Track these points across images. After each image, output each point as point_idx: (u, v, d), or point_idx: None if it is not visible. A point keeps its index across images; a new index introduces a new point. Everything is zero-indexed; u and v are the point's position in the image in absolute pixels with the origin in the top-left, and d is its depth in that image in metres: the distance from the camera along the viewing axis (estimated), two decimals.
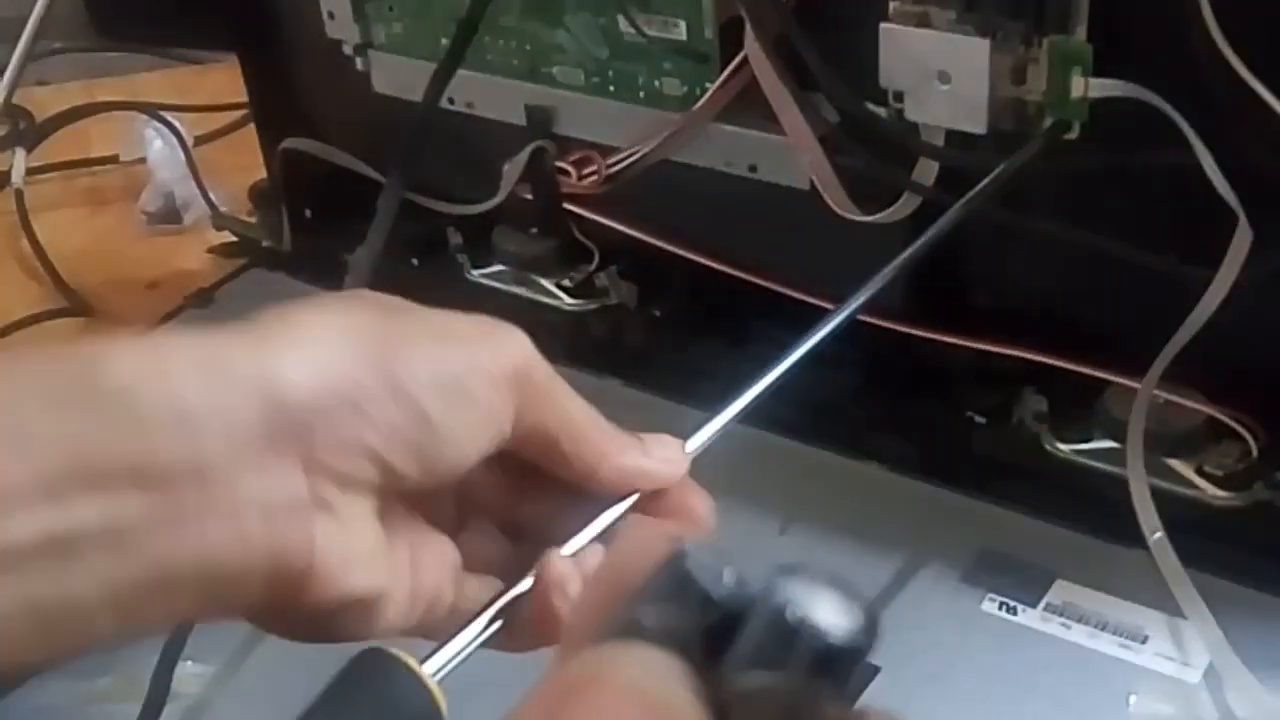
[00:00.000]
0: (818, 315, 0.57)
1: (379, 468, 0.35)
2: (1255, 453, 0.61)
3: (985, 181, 0.57)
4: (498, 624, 0.38)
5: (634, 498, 0.40)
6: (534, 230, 0.78)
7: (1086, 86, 0.55)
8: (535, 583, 0.38)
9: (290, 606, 0.35)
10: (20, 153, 0.96)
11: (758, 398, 0.44)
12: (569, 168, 0.73)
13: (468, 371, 0.37)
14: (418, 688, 0.35)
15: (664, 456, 0.41)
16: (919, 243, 0.54)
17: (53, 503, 0.31)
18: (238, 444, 0.33)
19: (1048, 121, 0.57)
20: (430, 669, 0.36)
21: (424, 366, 0.36)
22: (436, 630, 0.38)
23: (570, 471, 0.40)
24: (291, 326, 0.35)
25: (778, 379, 0.45)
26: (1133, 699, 0.54)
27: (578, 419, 0.39)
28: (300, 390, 0.34)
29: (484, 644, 0.38)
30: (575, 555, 0.39)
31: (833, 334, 0.48)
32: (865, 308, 0.64)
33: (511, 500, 0.41)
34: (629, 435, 0.40)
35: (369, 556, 0.36)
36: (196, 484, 0.32)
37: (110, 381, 0.32)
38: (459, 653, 0.37)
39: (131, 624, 0.33)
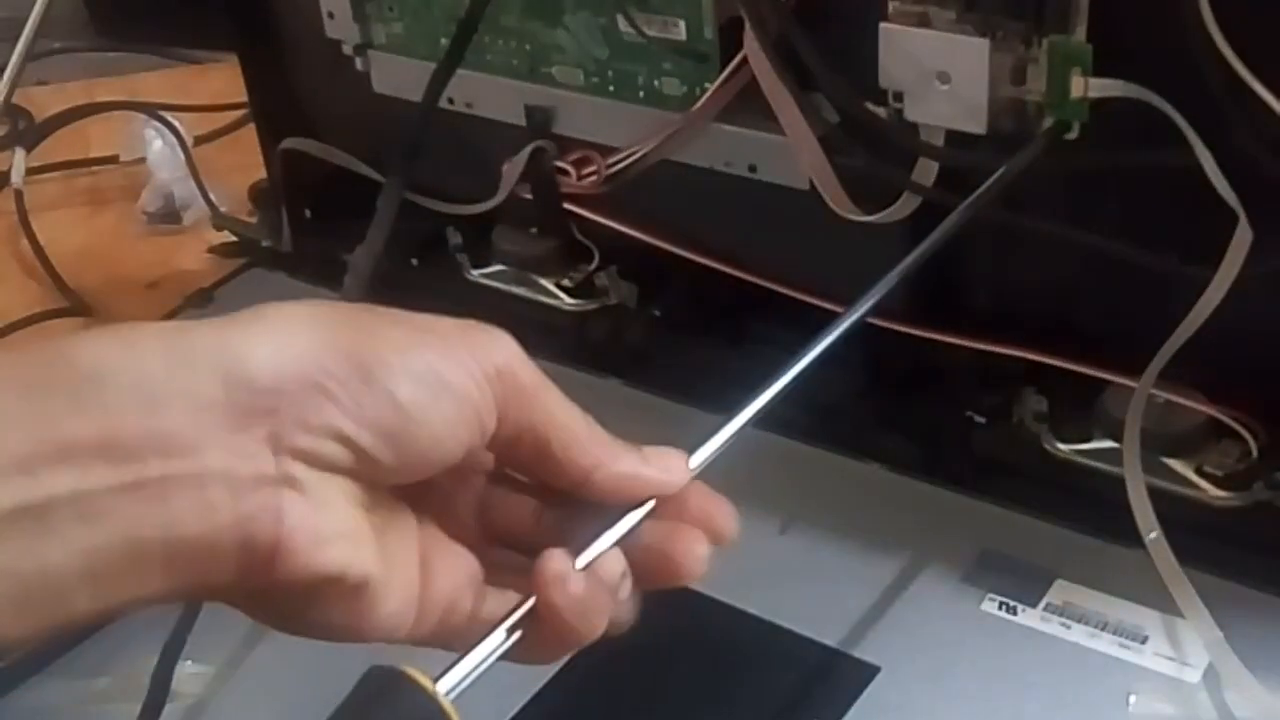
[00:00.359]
0: (818, 315, 0.57)
1: (350, 450, 0.36)
2: (1255, 453, 0.61)
3: (989, 183, 0.56)
4: (514, 637, 0.37)
5: (648, 506, 0.40)
6: (534, 230, 0.78)
7: (1086, 86, 0.55)
8: (533, 584, 0.38)
9: (263, 584, 0.35)
10: (20, 152, 0.96)
11: (764, 408, 0.44)
12: (569, 167, 0.73)
13: (444, 362, 0.37)
14: (431, 706, 0.35)
15: (663, 465, 0.40)
16: (921, 248, 0.54)
17: (24, 476, 0.32)
18: (201, 420, 0.34)
19: (1048, 121, 0.57)
20: (444, 687, 0.35)
21: (397, 354, 0.36)
22: (455, 642, 0.38)
23: (564, 477, 0.39)
24: (260, 315, 0.36)
25: (782, 389, 0.45)
26: (1132, 699, 0.54)
27: (569, 423, 0.39)
28: (263, 371, 0.35)
29: (504, 657, 0.38)
30: (591, 563, 0.39)
31: (837, 342, 0.47)
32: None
33: (533, 522, 0.41)
34: (626, 444, 0.40)
35: (342, 536, 0.36)
36: (161, 457, 0.33)
37: (79, 363, 0.34)
38: (473, 669, 0.36)
39: (108, 598, 0.34)
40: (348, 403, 0.35)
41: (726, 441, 0.43)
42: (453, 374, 0.37)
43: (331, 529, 0.35)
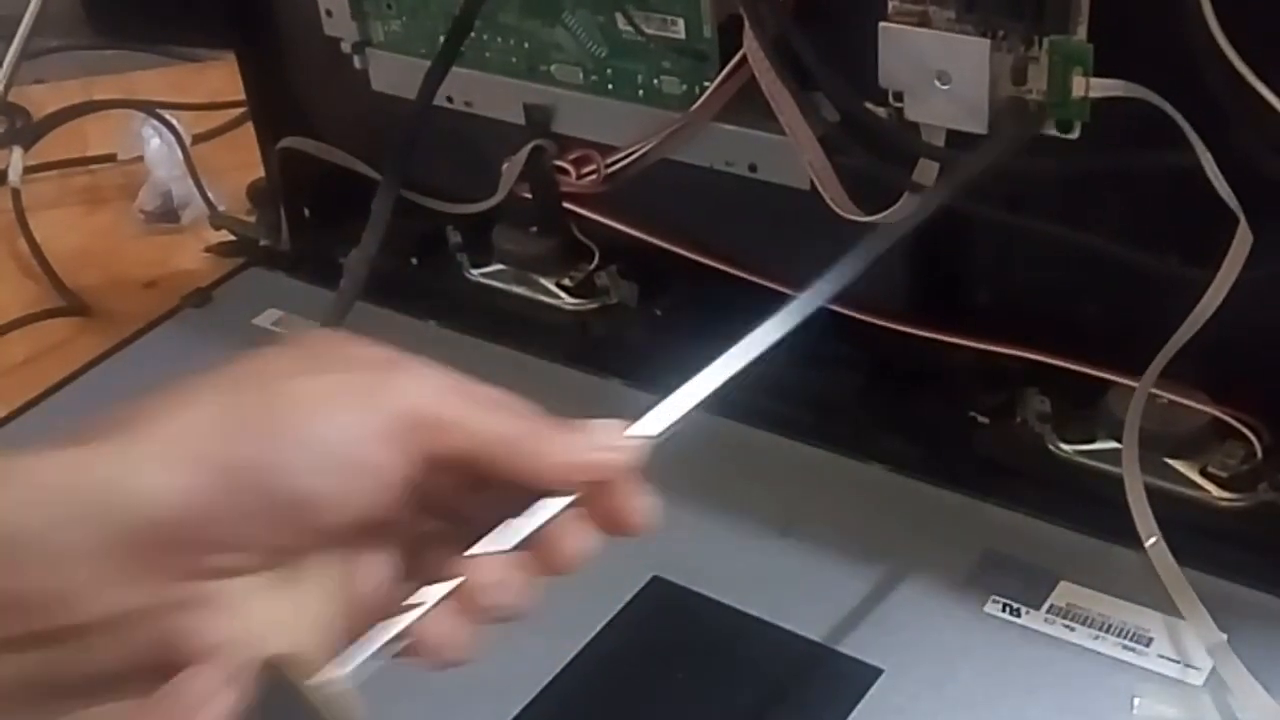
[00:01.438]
0: (818, 315, 0.56)
1: (259, 553, 0.35)
2: (1259, 454, 0.61)
3: (966, 171, 0.56)
4: (405, 638, 0.37)
5: (569, 499, 0.39)
6: (533, 229, 0.78)
7: (1087, 86, 0.55)
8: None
9: None
10: (17, 151, 0.96)
11: (723, 386, 0.44)
12: (568, 166, 0.73)
13: (346, 443, 0.36)
14: (319, 697, 0.35)
15: (605, 445, 0.39)
16: (906, 225, 0.54)
17: None
18: (105, 570, 0.34)
19: (1049, 121, 0.56)
20: (333, 674, 0.35)
21: (297, 452, 0.35)
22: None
23: (514, 478, 0.38)
24: (154, 432, 0.35)
25: (740, 371, 0.45)
26: (1136, 701, 0.53)
27: (500, 434, 0.38)
28: (161, 512, 0.34)
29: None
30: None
31: (801, 325, 0.47)
32: (865, 307, 0.64)
33: (462, 500, 0.40)
34: (568, 426, 0.39)
35: (255, 632, 0.35)
36: (68, 608, 0.34)
37: None
38: (366, 659, 0.36)
39: (33, 715, 0.35)
40: (251, 516, 0.35)
41: (677, 422, 0.43)
42: (358, 453, 0.36)
43: (245, 628, 0.35)
